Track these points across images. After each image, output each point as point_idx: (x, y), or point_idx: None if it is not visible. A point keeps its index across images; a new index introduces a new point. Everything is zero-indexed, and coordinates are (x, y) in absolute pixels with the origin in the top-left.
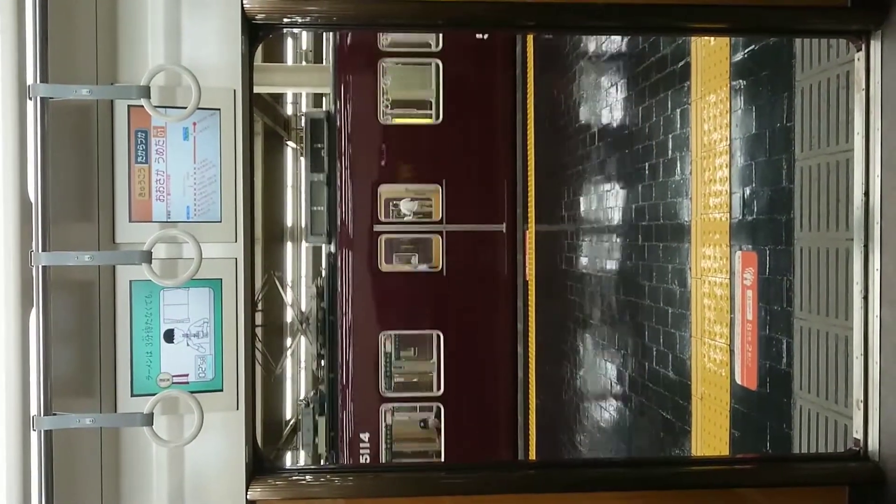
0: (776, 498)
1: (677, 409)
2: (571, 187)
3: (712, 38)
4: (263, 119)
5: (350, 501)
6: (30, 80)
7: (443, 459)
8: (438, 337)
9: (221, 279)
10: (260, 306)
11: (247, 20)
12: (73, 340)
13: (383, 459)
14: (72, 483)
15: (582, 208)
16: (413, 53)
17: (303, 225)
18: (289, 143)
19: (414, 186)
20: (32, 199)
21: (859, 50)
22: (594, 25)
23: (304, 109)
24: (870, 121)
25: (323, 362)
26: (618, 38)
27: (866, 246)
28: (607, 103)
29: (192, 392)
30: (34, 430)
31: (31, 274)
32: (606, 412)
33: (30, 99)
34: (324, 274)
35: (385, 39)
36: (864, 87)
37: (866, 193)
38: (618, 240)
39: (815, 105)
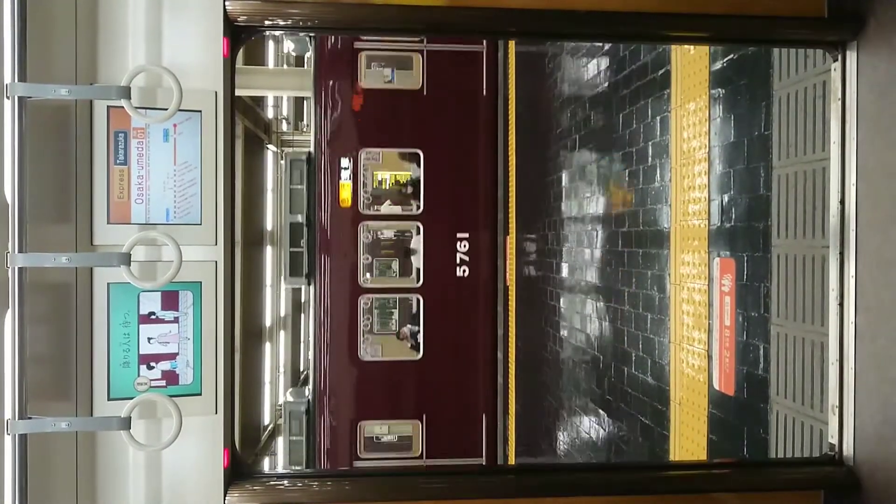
0: (753, 502)
1: (656, 414)
2: (552, 193)
3: (692, 47)
4: (244, 122)
5: None
6: (7, 79)
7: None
8: None
9: (201, 282)
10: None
11: (229, 22)
12: (49, 343)
13: None
14: (46, 488)
15: (563, 214)
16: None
17: None
18: (269, 146)
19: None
20: (9, 200)
21: (836, 60)
22: (575, 32)
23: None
24: (845, 130)
25: None
26: (599, 45)
27: (842, 253)
28: (588, 110)
29: (170, 396)
30: (8, 434)
31: (6, 275)
32: (586, 418)
33: (7, 98)
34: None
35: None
36: (840, 96)
37: (842, 201)
38: (598, 245)
39: (792, 114)
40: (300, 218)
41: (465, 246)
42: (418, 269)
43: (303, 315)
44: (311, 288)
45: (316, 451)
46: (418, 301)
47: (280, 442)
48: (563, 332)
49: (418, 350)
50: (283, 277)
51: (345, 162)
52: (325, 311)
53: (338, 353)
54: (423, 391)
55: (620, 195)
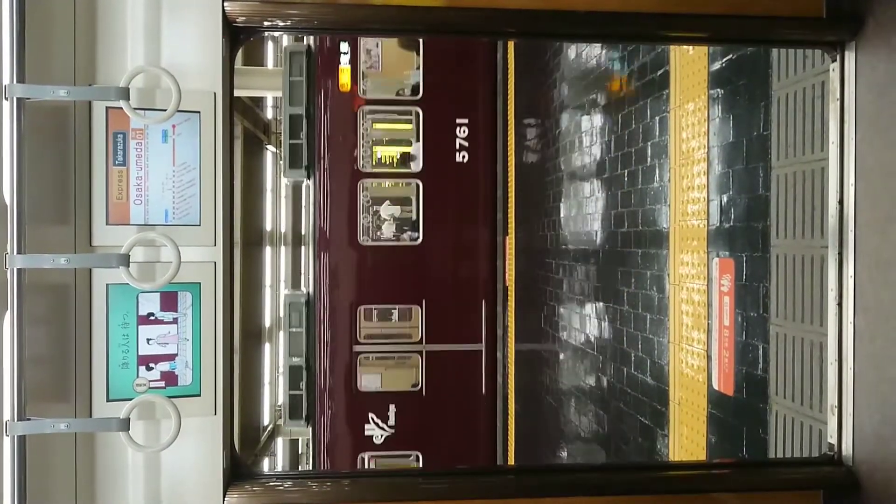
0: (752, 502)
1: (655, 415)
2: (552, 194)
3: (690, 48)
4: (243, 122)
5: None
6: (6, 80)
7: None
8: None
9: (200, 283)
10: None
11: (228, 23)
12: (48, 344)
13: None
14: (45, 489)
15: (562, 214)
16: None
17: None
18: (268, 147)
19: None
20: (7, 201)
21: (834, 60)
22: (573, 33)
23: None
24: (844, 130)
25: None
26: (598, 46)
27: (840, 253)
28: (587, 110)
29: (169, 397)
30: (7, 436)
31: (5, 277)
32: (584, 417)
33: (6, 99)
34: None
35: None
36: (838, 97)
37: (840, 202)
38: (597, 246)
39: (790, 114)
40: (299, 110)
41: (464, 132)
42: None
43: None
44: (311, 180)
45: (316, 342)
46: (417, 187)
47: (280, 442)
48: (564, 334)
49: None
50: (282, 173)
51: (343, 47)
52: (324, 196)
53: (337, 237)
54: (422, 276)
55: (619, 194)
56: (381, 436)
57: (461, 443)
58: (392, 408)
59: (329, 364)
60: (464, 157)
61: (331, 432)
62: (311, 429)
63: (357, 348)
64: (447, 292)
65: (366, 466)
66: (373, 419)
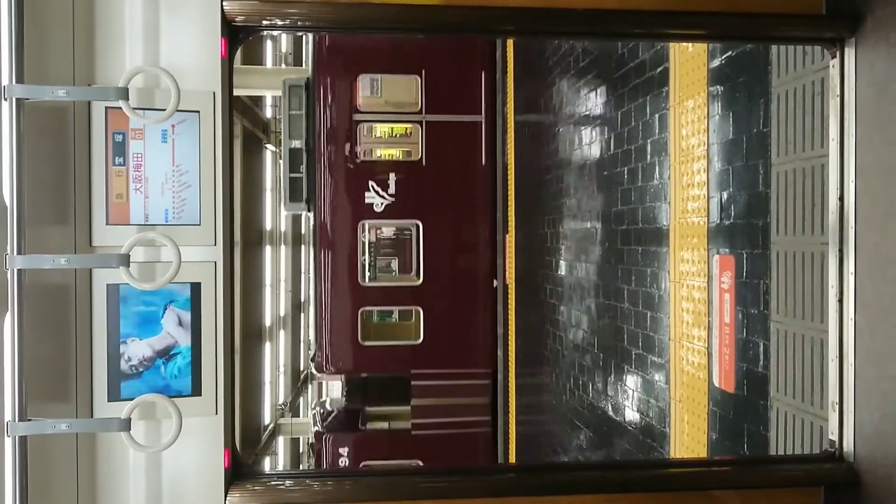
0: (753, 499)
1: (656, 412)
2: (551, 192)
3: (690, 45)
4: (242, 122)
5: None
6: (5, 81)
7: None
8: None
9: (200, 283)
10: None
11: (226, 22)
12: (48, 345)
13: None
14: (47, 490)
15: (562, 212)
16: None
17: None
18: (268, 146)
19: None
20: (7, 202)
21: (834, 57)
22: (572, 31)
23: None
24: (844, 127)
25: None
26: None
27: (841, 250)
28: (586, 108)
29: (170, 397)
30: (8, 437)
31: (5, 277)
32: (583, 414)
33: (5, 100)
34: None
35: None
36: (838, 93)
37: (841, 198)
38: (597, 244)
39: (790, 111)
40: None
41: None
42: None
43: (302, 315)
44: None
45: (314, 125)
46: None
47: (281, 441)
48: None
49: None
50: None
51: None
52: None
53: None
54: (422, 43)
55: (619, 192)
56: (382, 204)
57: (461, 211)
58: (392, 177)
59: (329, 134)
60: None
61: (331, 203)
62: (311, 211)
63: (357, 117)
64: (447, 61)
65: (366, 233)
66: (373, 187)
